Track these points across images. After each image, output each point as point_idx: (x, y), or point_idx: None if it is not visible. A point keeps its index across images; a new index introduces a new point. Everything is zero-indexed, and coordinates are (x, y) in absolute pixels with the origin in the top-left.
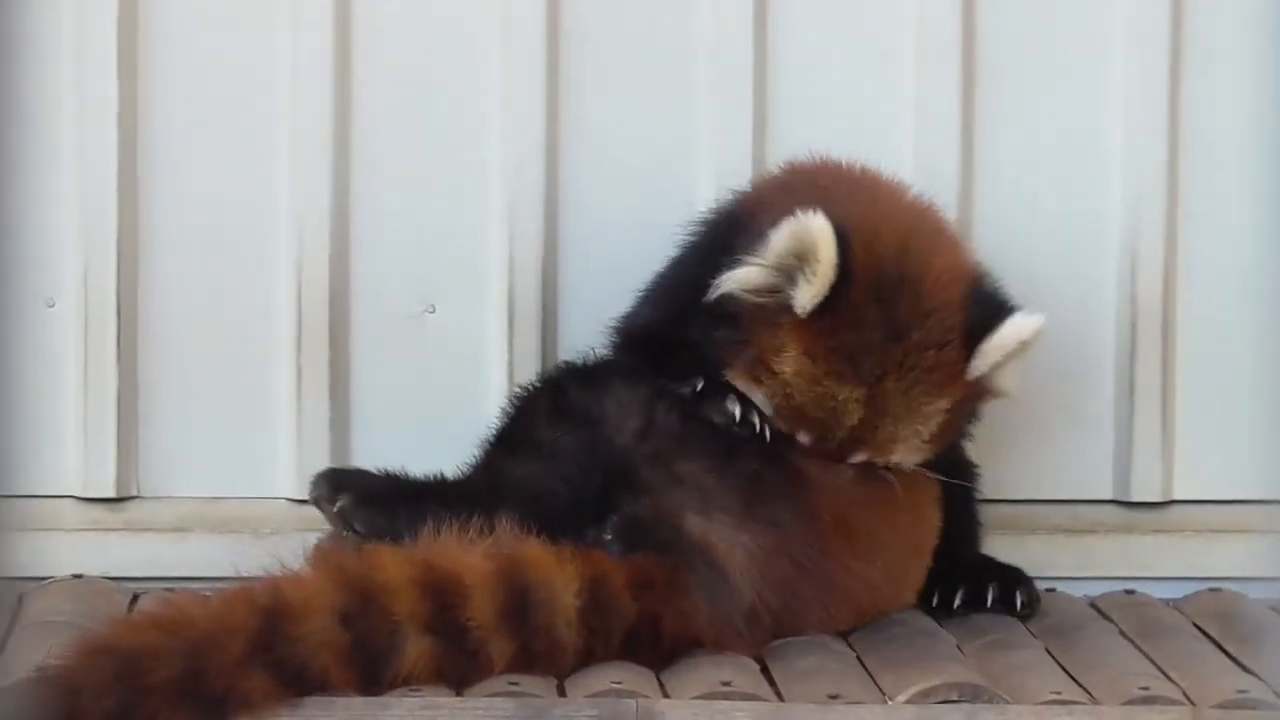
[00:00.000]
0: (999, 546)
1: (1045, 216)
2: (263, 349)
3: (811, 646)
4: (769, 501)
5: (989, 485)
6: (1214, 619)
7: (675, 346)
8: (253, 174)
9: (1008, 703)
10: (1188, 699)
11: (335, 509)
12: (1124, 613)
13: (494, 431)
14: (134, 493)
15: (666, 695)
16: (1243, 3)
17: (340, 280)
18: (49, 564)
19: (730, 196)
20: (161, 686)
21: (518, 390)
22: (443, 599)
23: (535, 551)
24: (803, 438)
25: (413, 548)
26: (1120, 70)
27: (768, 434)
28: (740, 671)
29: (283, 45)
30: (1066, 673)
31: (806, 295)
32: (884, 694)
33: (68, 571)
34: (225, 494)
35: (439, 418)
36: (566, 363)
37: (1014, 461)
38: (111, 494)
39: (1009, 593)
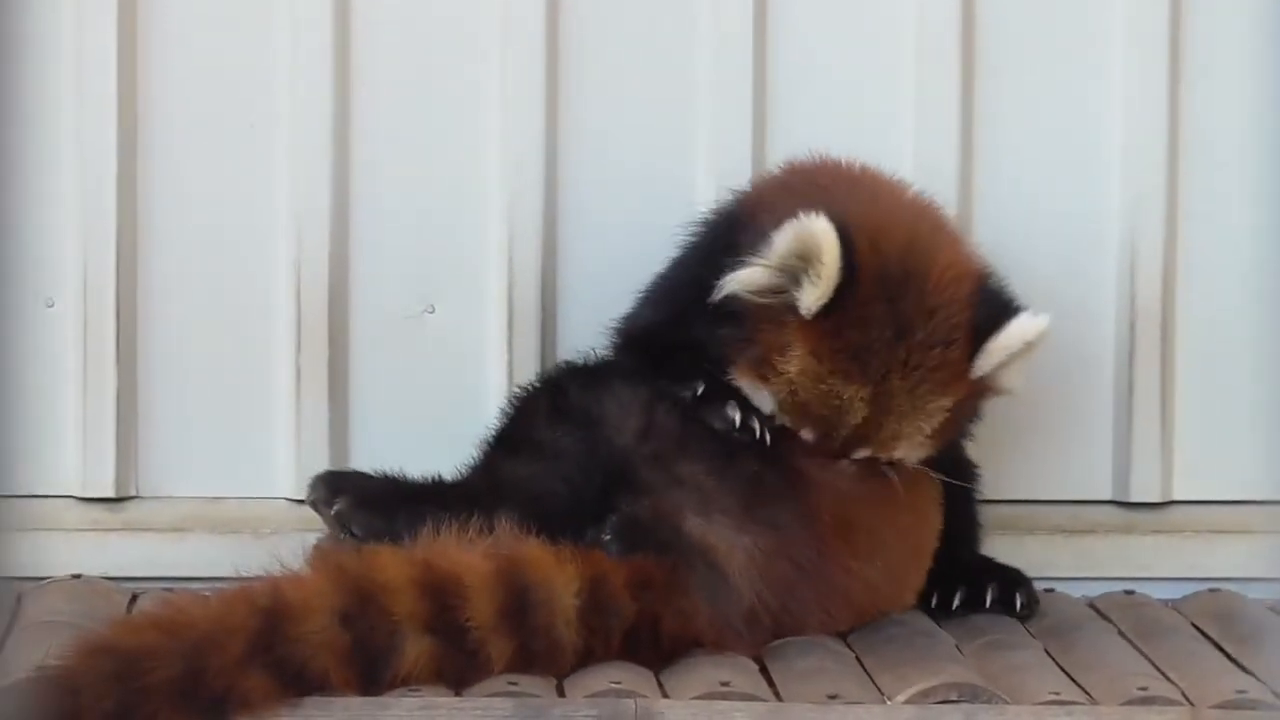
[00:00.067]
0: (998, 547)
1: (1045, 216)
2: (262, 349)
3: (810, 647)
4: (769, 503)
5: (988, 485)
6: (1213, 619)
7: (676, 347)
8: (253, 174)
9: (1006, 703)
10: (1186, 699)
11: (333, 512)
12: (1123, 613)
13: (494, 431)
14: (133, 493)
15: (665, 695)
16: (1243, 3)
17: (340, 280)
18: (48, 564)
19: (730, 196)
20: (161, 687)
21: (517, 390)
22: (442, 599)
23: (535, 551)
24: (806, 435)
25: (412, 548)
26: (1120, 70)
27: (768, 439)
28: (739, 672)
29: (282, 45)
30: (1065, 673)
31: (811, 296)
32: (883, 694)
33: (67, 571)
34: (224, 494)
35: (438, 418)
36: (567, 362)
37: (1013, 462)
38: (111, 494)
39: (1008, 594)
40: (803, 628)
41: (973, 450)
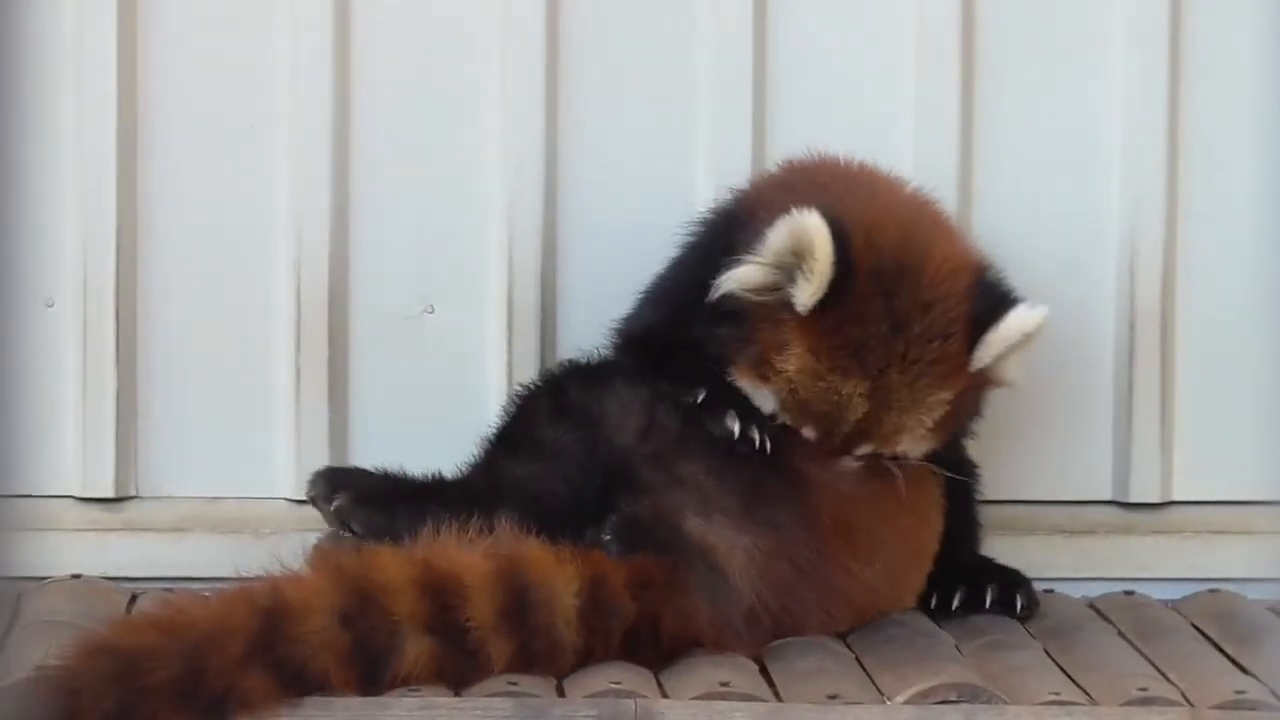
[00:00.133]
0: (998, 547)
1: (1045, 216)
2: (262, 349)
3: (810, 647)
4: (769, 504)
5: (988, 486)
6: (1213, 620)
7: (676, 348)
8: (252, 174)
9: (1006, 703)
10: (1186, 700)
11: (332, 508)
12: (1123, 614)
13: (494, 430)
14: (133, 493)
15: (665, 695)
16: (1243, 3)
17: (340, 280)
18: (48, 564)
19: (729, 196)
20: (161, 687)
21: (518, 389)
22: (442, 599)
23: (535, 551)
24: (808, 432)
25: (412, 548)
26: (1120, 70)
27: (768, 448)
28: (739, 672)
29: (282, 45)
30: (1065, 673)
31: (806, 293)
32: (882, 694)
33: (67, 571)
34: (224, 494)
35: (438, 418)
36: (568, 361)
37: (1013, 462)
38: (110, 494)
39: (1008, 595)
40: (802, 628)
41: (973, 450)
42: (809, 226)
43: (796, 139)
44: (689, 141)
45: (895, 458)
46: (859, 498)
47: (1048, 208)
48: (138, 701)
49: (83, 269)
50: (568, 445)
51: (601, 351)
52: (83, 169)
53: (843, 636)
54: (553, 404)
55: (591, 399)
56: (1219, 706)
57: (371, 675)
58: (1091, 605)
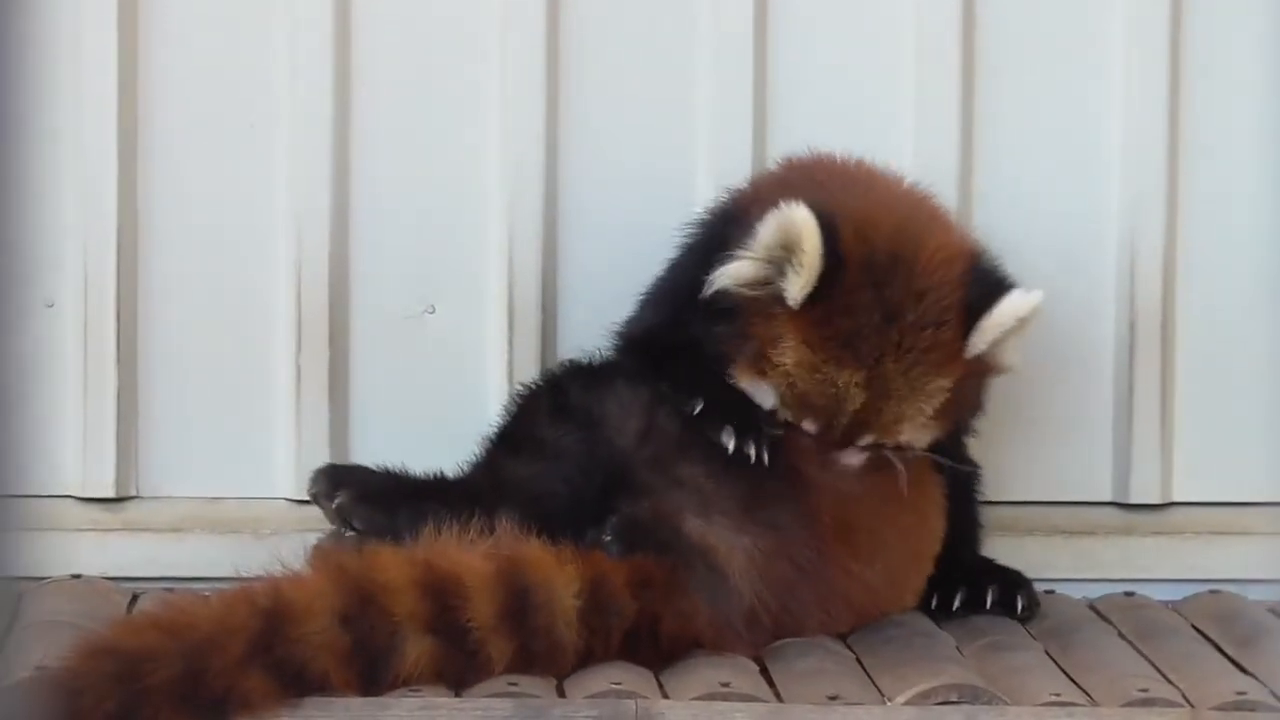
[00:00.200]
0: (998, 548)
1: (1045, 216)
2: (262, 349)
3: (810, 648)
4: (769, 505)
5: (988, 487)
6: (1213, 621)
7: (677, 349)
8: (252, 174)
9: (1007, 704)
10: (1187, 701)
11: (334, 505)
12: (1123, 614)
13: (495, 429)
14: (133, 493)
15: (666, 696)
16: (1243, 3)
17: (340, 280)
18: (48, 564)
19: (726, 195)
20: (162, 688)
21: (519, 389)
22: (443, 600)
23: (535, 552)
24: (809, 425)
25: (413, 548)
26: (1120, 70)
27: (765, 459)
28: (739, 672)
29: (282, 45)
30: (1065, 674)
31: (797, 286)
32: (883, 695)
33: (67, 572)
34: (224, 494)
35: (438, 418)
36: (570, 361)
37: (1013, 463)
38: (111, 494)
39: (1009, 596)
40: (802, 629)
41: (973, 451)
42: (797, 220)
43: (796, 139)
44: (689, 141)
45: (900, 448)
46: (859, 498)
47: (1048, 208)
48: (139, 702)
49: (83, 269)
50: (568, 446)
51: (603, 353)
52: (83, 169)
53: (843, 637)
54: (553, 404)
55: (592, 400)
56: (1219, 707)
57: (372, 676)
58: (1092, 606)
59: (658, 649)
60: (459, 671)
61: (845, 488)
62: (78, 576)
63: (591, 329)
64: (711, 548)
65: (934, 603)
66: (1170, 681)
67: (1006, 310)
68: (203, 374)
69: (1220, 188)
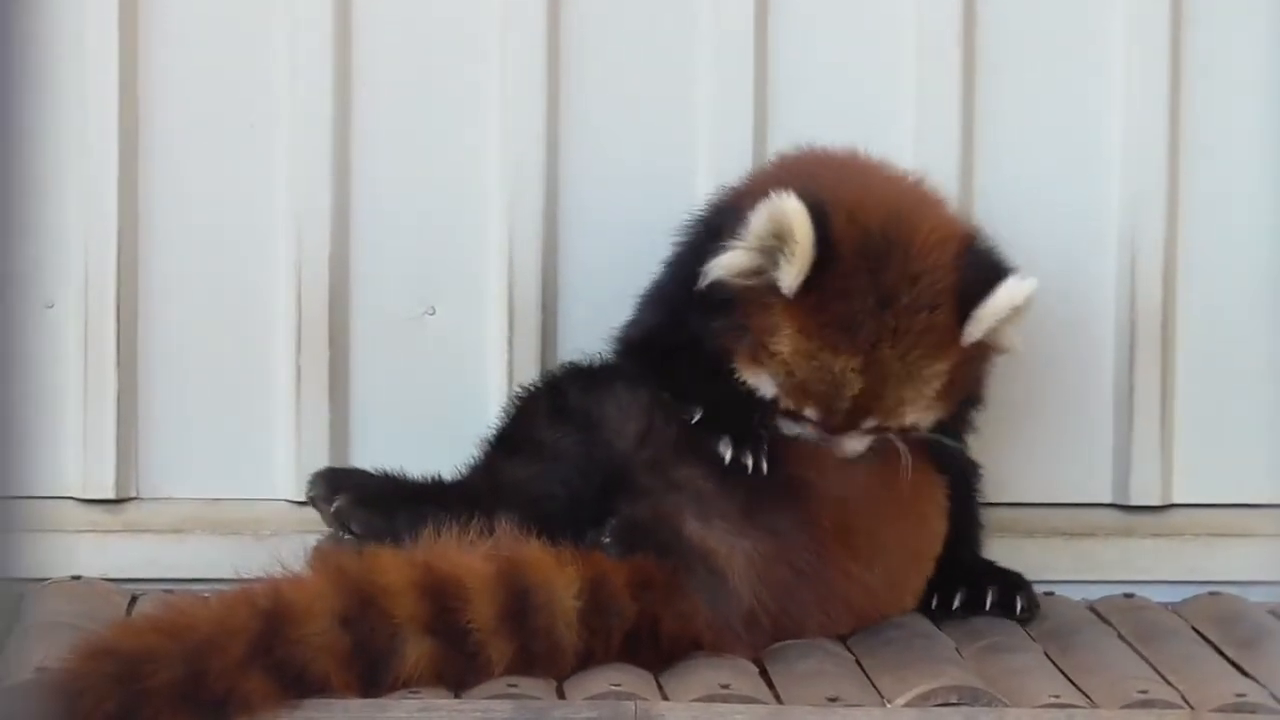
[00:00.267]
0: (997, 549)
1: (1045, 215)
2: (262, 350)
3: (810, 649)
4: (768, 509)
5: (988, 488)
6: (1213, 623)
7: (677, 351)
8: (252, 174)
9: (1006, 706)
10: (1186, 703)
11: (332, 509)
12: (1123, 616)
13: (494, 431)
14: (133, 494)
15: (665, 698)
16: (1243, 3)
17: (340, 281)
18: (48, 565)
19: (719, 193)
20: (162, 689)
21: (519, 390)
22: (443, 601)
23: (535, 553)
24: (810, 413)
25: (413, 550)
26: (1120, 69)
27: (764, 469)
28: (739, 674)
29: (282, 45)
30: (1065, 676)
31: (789, 274)
32: (883, 697)
33: (67, 573)
34: (224, 495)
35: (439, 419)
36: (569, 363)
37: (1012, 464)
38: (111, 495)
39: (1008, 597)
40: (802, 631)
41: (973, 451)
42: (787, 208)
43: (797, 137)
44: (690, 140)
45: (904, 431)
46: (859, 501)
47: (1048, 206)
48: (139, 704)
49: (83, 270)
50: (567, 448)
51: (603, 355)
52: (83, 169)
53: (843, 639)
54: (553, 406)
55: (591, 402)
56: (1219, 709)
57: (372, 677)
58: (1091, 608)
59: (658, 650)
60: (459, 673)
61: (845, 491)
62: (78, 578)
63: (592, 329)
64: (711, 550)
65: (934, 603)
66: (1170, 683)
67: (1002, 299)
68: (203, 375)
69: (1220, 187)
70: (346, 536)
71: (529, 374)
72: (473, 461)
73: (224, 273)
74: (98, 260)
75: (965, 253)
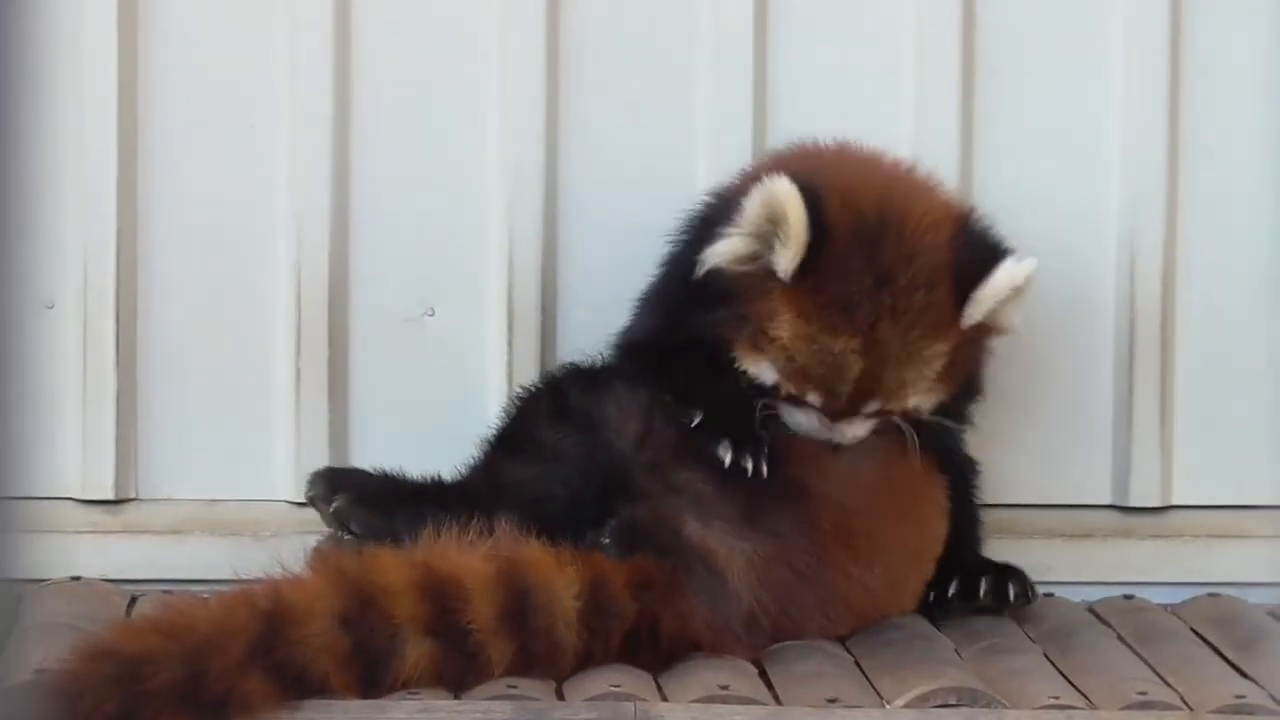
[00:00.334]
0: (997, 551)
1: (1044, 216)
2: (262, 350)
3: (809, 650)
4: (768, 511)
5: (987, 489)
6: (1212, 624)
7: (677, 352)
8: (252, 174)
9: (1005, 707)
10: (1186, 704)
11: (331, 509)
12: (1122, 618)
13: (494, 432)
14: (133, 495)
15: (665, 699)
16: (1243, 3)
17: (340, 281)
18: (48, 566)
19: (714, 190)
20: (162, 690)
21: (519, 391)
22: (443, 602)
23: (535, 554)
24: (812, 398)
25: (412, 550)
26: (1120, 70)
27: (764, 472)
28: (738, 675)
29: (282, 45)
30: (1064, 677)
31: (785, 257)
32: (882, 698)
33: (66, 573)
34: (224, 496)
35: (438, 420)
36: (569, 364)
37: (1012, 465)
38: (110, 496)
39: (1001, 586)
40: (801, 632)
41: (972, 452)
42: (779, 192)
43: (796, 138)
44: (690, 141)
45: (907, 414)
46: (859, 502)
47: (1047, 208)
48: (139, 705)
49: (83, 270)
50: (567, 448)
51: (603, 356)
52: (83, 169)
53: (842, 640)
54: (552, 407)
55: (591, 402)
56: (1218, 711)
57: (372, 678)
58: (1091, 609)
59: (657, 651)
60: (459, 673)
61: (845, 492)
62: (77, 578)
63: (592, 329)
64: (711, 551)
65: (930, 597)
66: (1169, 685)
67: (1000, 280)
68: (202, 375)
69: (1220, 188)
70: (346, 537)
71: (528, 375)
72: (472, 462)
73: (224, 273)
74: (97, 260)
75: (960, 233)
